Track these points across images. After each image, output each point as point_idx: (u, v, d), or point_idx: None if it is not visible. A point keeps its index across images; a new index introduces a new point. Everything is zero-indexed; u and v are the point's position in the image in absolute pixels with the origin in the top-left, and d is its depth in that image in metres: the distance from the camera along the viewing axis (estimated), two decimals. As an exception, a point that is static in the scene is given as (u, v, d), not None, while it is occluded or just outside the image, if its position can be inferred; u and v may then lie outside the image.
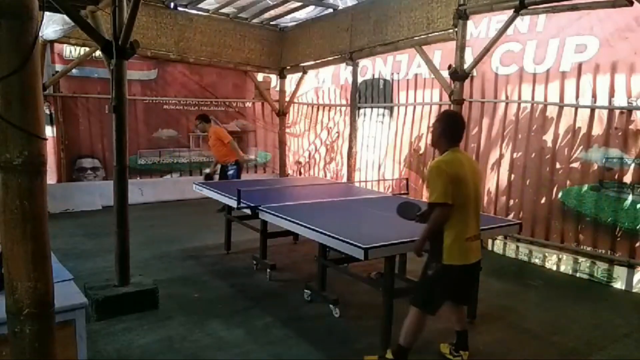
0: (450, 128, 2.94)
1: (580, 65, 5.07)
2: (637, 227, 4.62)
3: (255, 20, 8.79)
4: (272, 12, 8.35)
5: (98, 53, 5.51)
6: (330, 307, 3.88)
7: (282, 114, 9.79)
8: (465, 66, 5.69)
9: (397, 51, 7.03)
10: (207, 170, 7.77)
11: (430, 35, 6.24)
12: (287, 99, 9.70)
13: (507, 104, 5.81)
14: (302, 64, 8.88)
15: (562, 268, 5.14)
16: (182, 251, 5.59)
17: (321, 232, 3.29)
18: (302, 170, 9.80)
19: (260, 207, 4.12)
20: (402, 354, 2.98)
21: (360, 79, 7.96)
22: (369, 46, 7.25)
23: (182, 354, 3.20)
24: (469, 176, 2.85)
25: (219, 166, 7.51)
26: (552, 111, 5.34)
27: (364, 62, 7.87)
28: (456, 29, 5.72)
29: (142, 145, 8.67)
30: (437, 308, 2.96)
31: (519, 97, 5.68)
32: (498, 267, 5.25)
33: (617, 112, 4.78)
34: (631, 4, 4.22)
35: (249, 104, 9.90)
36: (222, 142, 7.27)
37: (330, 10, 7.99)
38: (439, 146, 2.96)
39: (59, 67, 7.67)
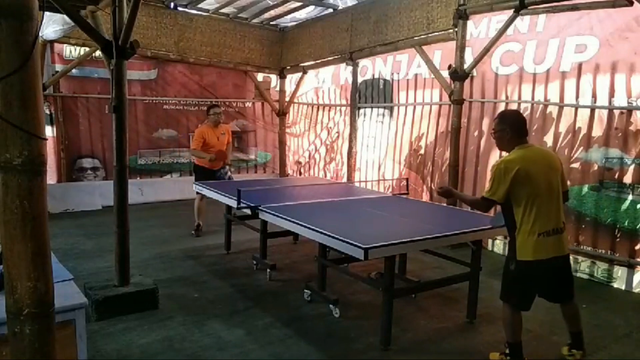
0: (513, 126, 3.00)
1: (580, 65, 5.07)
2: (637, 227, 4.62)
3: (255, 20, 8.79)
4: (272, 12, 8.36)
5: (98, 53, 5.51)
6: (330, 307, 3.87)
7: (282, 114, 9.79)
8: (465, 66, 5.69)
9: (397, 51, 7.03)
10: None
11: (430, 35, 6.24)
12: (287, 99, 9.70)
13: (507, 104, 5.81)
14: (302, 64, 8.88)
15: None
16: (182, 251, 5.59)
17: (321, 232, 3.29)
18: (302, 170, 9.80)
19: (260, 207, 4.12)
20: (513, 348, 3.06)
21: (360, 79, 7.96)
22: (369, 46, 7.26)
23: (182, 354, 3.19)
24: (539, 171, 2.89)
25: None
26: (552, 111, 5.34)
27: (364, 62, 7.86)
28: (456, 29, 5.73)
29: (142, 145, 8.67)
30: (524, 304, 3.01)
31: (519, 97, 5.68)
32: (498, 267, 5.21)
33: (617, 112, 4.78)
34: (631, 4, 4.22)
35: (249, 104, 9.90)
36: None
37: (330, 10, 7.99)
38: (508, 147, 3.03)
39: (59, 67, 7.66)
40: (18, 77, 1.48)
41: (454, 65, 5.68)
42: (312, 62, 8.67)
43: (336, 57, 7.96)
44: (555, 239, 2.91)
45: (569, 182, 5.11)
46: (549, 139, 5.36)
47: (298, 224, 3.57)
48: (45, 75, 7.36)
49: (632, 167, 4.65)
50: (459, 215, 4.55)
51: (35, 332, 1.60)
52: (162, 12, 7.90)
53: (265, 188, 5.24)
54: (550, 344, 3.47)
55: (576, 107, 5.11)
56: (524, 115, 5.48)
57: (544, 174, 2.91)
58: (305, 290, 4.13)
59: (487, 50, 5.45)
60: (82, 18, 3.81)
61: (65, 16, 4.49)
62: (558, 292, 3.10)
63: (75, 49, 7.74)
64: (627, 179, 4.68)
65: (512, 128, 3.00)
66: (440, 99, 6.64)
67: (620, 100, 4.75)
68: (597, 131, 4.92)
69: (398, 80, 7.41)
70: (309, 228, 3.44)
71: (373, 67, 7.87)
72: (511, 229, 2.98)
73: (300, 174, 9.75)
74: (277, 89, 9.85)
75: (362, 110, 8.06)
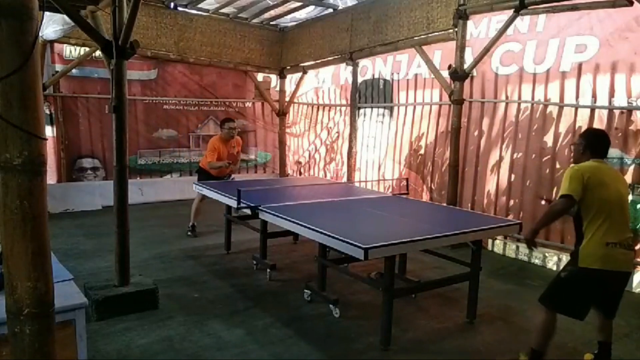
0: (594, 142, 3.01)
1: (580, 65, 5.07)
2: (637, 227, 4.62)
3: (255, 20, 8.79)
4: (272, 12, 8.36)
5: (98, 53, 5.51)
6: (330, 307, 3.88)
7: (282, 114, 9.79)
8: (465, 66, 5.69)
9: (397, 51, 7.03)
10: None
11: (430, 35, 6.24)
12: (287, 99, 9.70)
13: (507, 104, 5.81)
14: (302, 64, 8.88)
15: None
16: (182, 251, 5.59)
17: (321, 232, 3.29)
18: (302, 170, 9.80)
19: (260, 207, 4.12)
20: (535, 358, 2.99)
21: (360, 79, 7.96)
22: (369, 46, 7.26)
23: (182, 354, 3.19)
24: (610, 181, 2.88)
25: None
26: (552, 111, 5.34)
27: (364, 62, 7.87)
28: (456, 29, 5.73)
29: (142, 145, 8.67)
30: (579, 312, 2.94)
31: (519, 97, 5.68)
32: (498, 267, 5.25)
33: (617, 112, 4.78)
34: (631, 4, 4.22)
35: (249, 104, 9.90)
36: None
37: (330, 10, 7.99)
38: (582, 160, 3.01)
39: (59, 67, 7.66)
40: (18, 77, 1.48)
41: (454, 65, 5.68)
42: (312, 62, 8.67)
43: (336, 57, 7.96)
44: (623, 252, 2.85)
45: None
46: (549, 139, 5.36)
47: (298, 224, 3.57)
48: (45, 75, 7.36)
49: (632, 167, 4.65)
50: (459, 215, 4.55)
51: (35, 332, 1.60)
52: (162, 12, 7.90)
53: (265, 188, 5.24)
54: (550, 344, 3.46)
55: (576, 107, 5.12)
56: (524, 115, 5.59)
57: (615, 184, 2.90)
58: (305, 290, 4.13)
59: (487, 50, 5.46)
60: (82, 18, 3.81)
61: (65, 16, 4.48)
62: (609, 305, 3.04)
63: (75, 49, 7.74)
64: (627, 179, 4.67)
65: (586, 144, 3.01)
66: (440, 99, 6.64)
67: (620, 100, 4.76)
68: (597, 131, 4.92)
69: (398, 80, 7.41)
70: (309, 228, 3.44)
71: (373, 67, 7.88)
72: (578, 237, 2.93)
73: (300, 174, 9.75)
74: (277, 89, 9.86)
75: (362, 110, 8.06)
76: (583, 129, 4.98)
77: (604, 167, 2.98)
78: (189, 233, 6.28)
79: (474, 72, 5.95)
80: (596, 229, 2.82)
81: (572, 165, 3.03)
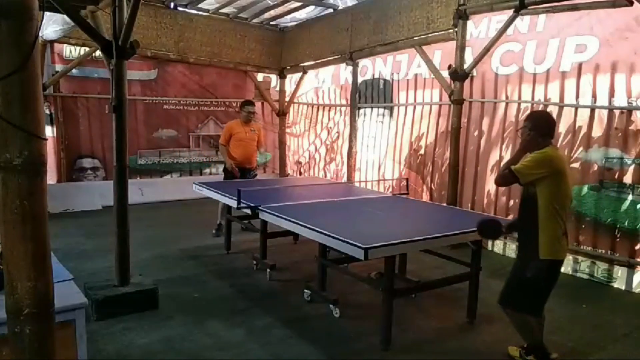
0: (546, 126, 2.99)
1: (580, 65, 5.07)
2: (637, 227, 4.62)
3: (255, 20, 8.79)
4: (272, 12, 8.35)
5: (98, 53, 5.50)
6: (330, 307, 3.88)
7: (282, 114, 9.79)
8: (465, 66, 5.69)
9: (397, 51, 7.03)
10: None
11: (430, 35, 6.24)
12: (287, 99, 9.70)
13: (507, 104, 5.81)
14: (302, 64, 8.88)
15: (562, 268, 5.11)
16: (182, 251, 5.59)
17: (321, 232, 3.29)
18: (302, 170, 9.80)
19: (260, 207, 4.12)
20: (536, 350, 3.06)
21: (360, 79, 7.96)
22: (369, 46, 7.26)
23: (182, 354, 3.20)
24: (568, 172, 2.93)
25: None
26: (552, 111, 5.34)
27: (364, 62, 7.86)
28: (456, 29, 5.73)
29: (142, 145, 8.67)
30: (540, 308, 3.00)
31: (519, 97, 5.68)
32: (498, 267, 5.24)
33: (617, 112, 4.78)
34: (631, 4, 4.22)
35: (249, 104, 9.89)
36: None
37: (330, 10, 7.99)
38: (535, 147, 2.94)
39: (59, 67, 7.66)
40: (18, 77, 1.48)
41: (454, 65, 5.68)
42: (312, 62, 8.67)
43: (336, 57, 7.95)
44: (566, 240, 2.95)
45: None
46: (549, 139, 5.36)
47: (298, 224, 3.57)
48: (45, 75, 7.36)
49: (632, 167, 4.65)
50: (459, 215, 4.55)
51: (35, 332, 1.60)
52: (162, 12, 7.89)
53: (265, 188, 5.24)
54: (550, 344, 3.46)
55: (576, 107, 5.12)
56: (524, 115, 5.58)
57: (568, 175, 2.95)
58: (305, 290, 4.13)
59: (487, 50, 5.45)
60: (82, 18, 3.81)
61: (65, 16, 4.48)
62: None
63: (75, 49, 7.74)
64: (627, 179, 4.68)
65: (540, 128, 2.94)
66: (440, 99, 6.64)
67: (620, 100, 4.76)
68: (597, 131, 4.92)
69: (398, 80, 7.41)
70: (309, 228, 3.44)
71: (373, 67, 7.88)
72: (533, 230, 2.87)
73: (300, 174, 9.75)
74: (277, 89, 9.85)
75: (362, 110, 8.06)
76: (583, 129, 5.02)
77: (562, 155, 3.06)
78: (213, 231, 6.27)
79: (474, 72, 5.95)
80: (555, 220, 2.84)
81: (544, 150, 2.88)
